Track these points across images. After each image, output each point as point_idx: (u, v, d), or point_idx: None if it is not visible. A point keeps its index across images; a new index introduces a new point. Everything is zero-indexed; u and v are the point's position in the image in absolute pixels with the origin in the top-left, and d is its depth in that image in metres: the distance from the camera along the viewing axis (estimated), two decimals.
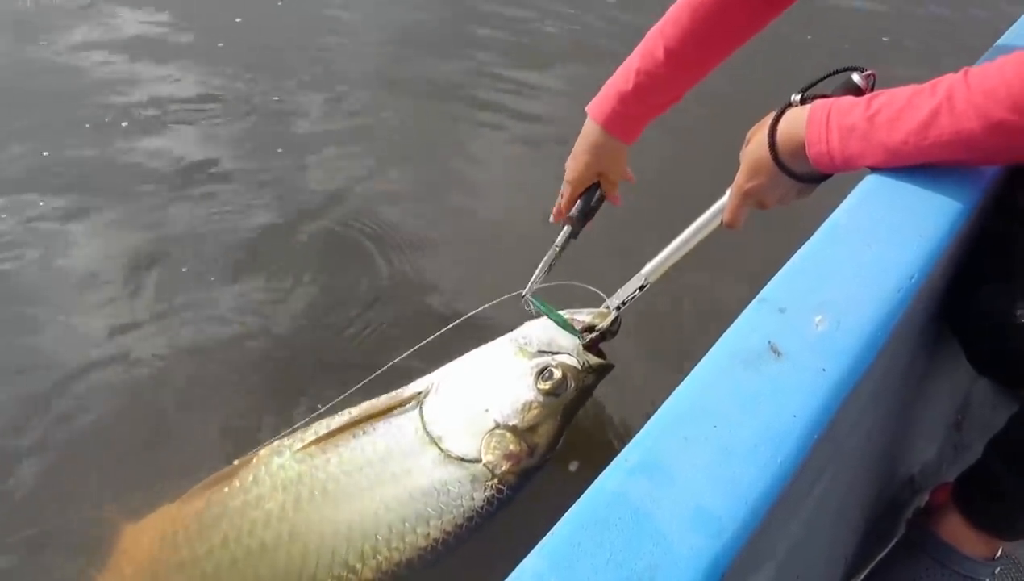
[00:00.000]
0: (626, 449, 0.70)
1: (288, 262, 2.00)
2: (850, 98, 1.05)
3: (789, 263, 0.90)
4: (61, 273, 1.90)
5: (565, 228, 1.49)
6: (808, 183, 1.12)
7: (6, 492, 1.48)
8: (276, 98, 2.56)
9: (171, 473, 1.46)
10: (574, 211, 1.48)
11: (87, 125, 2.38)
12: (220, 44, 2.83)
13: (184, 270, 1.94)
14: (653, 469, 0.67)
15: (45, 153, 2.26)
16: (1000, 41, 1.29)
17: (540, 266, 1.46)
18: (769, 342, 0.79)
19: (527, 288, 1.45)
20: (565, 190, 1.50)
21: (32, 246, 1.96)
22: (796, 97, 1.12)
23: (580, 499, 0.66)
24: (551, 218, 1.53)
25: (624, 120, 1.40)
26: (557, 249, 1.47)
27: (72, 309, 1.83)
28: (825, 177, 1.11)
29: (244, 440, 1.51)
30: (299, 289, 1.93)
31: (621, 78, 1.37)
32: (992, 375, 1.28)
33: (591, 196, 1.48)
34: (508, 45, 2.96)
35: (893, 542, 1.34)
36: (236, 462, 1.33)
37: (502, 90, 2.70)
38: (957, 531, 1.22)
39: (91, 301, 1.86)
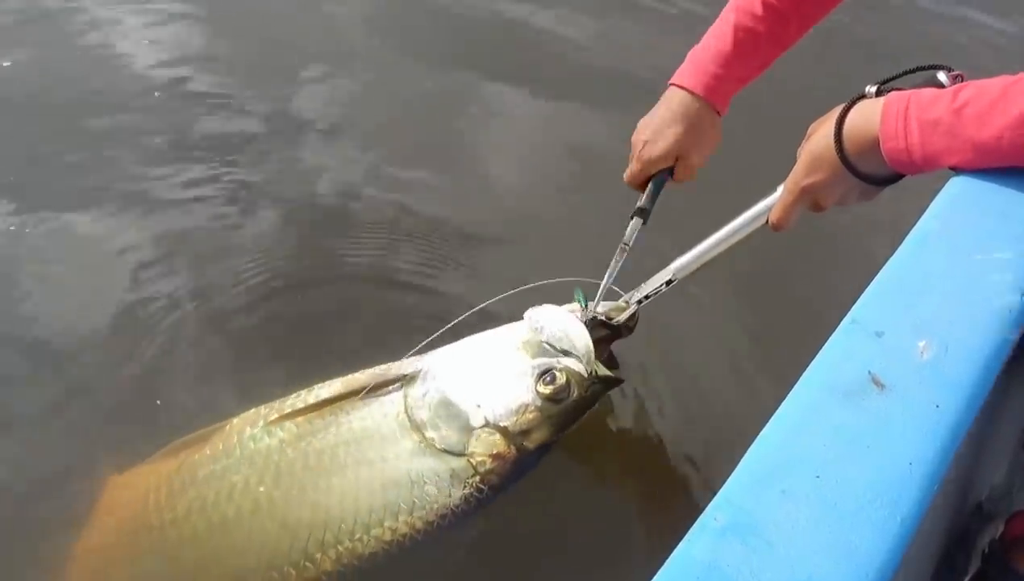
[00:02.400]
0: (712, 506, 0.58)
1: (294, 242, 1.93)
2: (931, 90, 0.93)
3: (879, 277, 0.78)
4: (64, 238, 1.89)
5: (633, 221, 1.27)
6: (874, 185, 1.00)
7: None
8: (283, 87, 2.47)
9: (161, 428, 1.43)
10: (645, 201, 1.27)
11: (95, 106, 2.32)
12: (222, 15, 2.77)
13: (189, 249, 1.90)
14: (747, 532, 0.56)
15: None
16: None
17: (612, 265, 1.27)
18: (869, 372, 0.68)
19: (602, 285, 1.28)
20: (635, 169, 1.29)
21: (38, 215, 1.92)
22: (871, 89, 1.00)
23: (660, 572, 0.54)
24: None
25: (724, 85, 1.22)
26: (627, 246, 1.27)
27: (73, 268, 1.83)
28: (894, 179, 0.99)
29: (233, 407, 1.46)
30: (306, 269, 1.86)
31: (717, 40, 1.21)
32: None
33: (662, 181, 1.28)
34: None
35: (968, 578, 1.22)
36: (214, 426, 1.26)
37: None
38: None
39: (89, 263, 1.85)
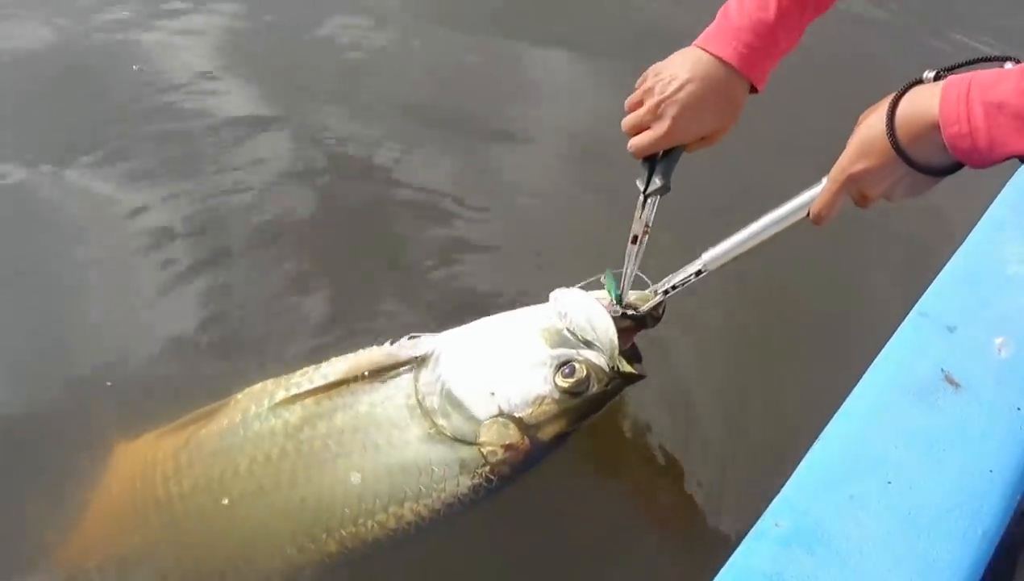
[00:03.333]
0: (772, 508, 0.53)
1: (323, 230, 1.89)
2: (996, 70, 0.86)
3: (948, 267, 0.72)
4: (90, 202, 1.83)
5: (648, 201, 1.16)
6: (928, 175, 0.93)
7: (9, 398, 1.43)
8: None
9: (169, 397, 1.39)
10: (660, 180, 1.19)
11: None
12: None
13: (208, 230, 1.86)
14: (814, 540, 0.51)
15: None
16: None
17: (634, 251, 1.19)
18: (942, 370, 0.62)
19: (625, 275, 1.19)
20: (653, 143, 1.15)
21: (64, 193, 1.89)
22: (929, 74, 0.92)
23: (717, 578, 0.49)
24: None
25: (762, 59, 1.09)
26: (649, 229, 1.19)
27: (91, 240, 1.75)
28: (950, 170, 0.91)
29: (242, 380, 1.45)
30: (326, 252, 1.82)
31: (753, 4, 1.07)
32: None
33: (680, 154, 1.14)
34: None
35: None
36: (222, 401, 1.23)
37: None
38: None
39: (107, 238, 1.77)
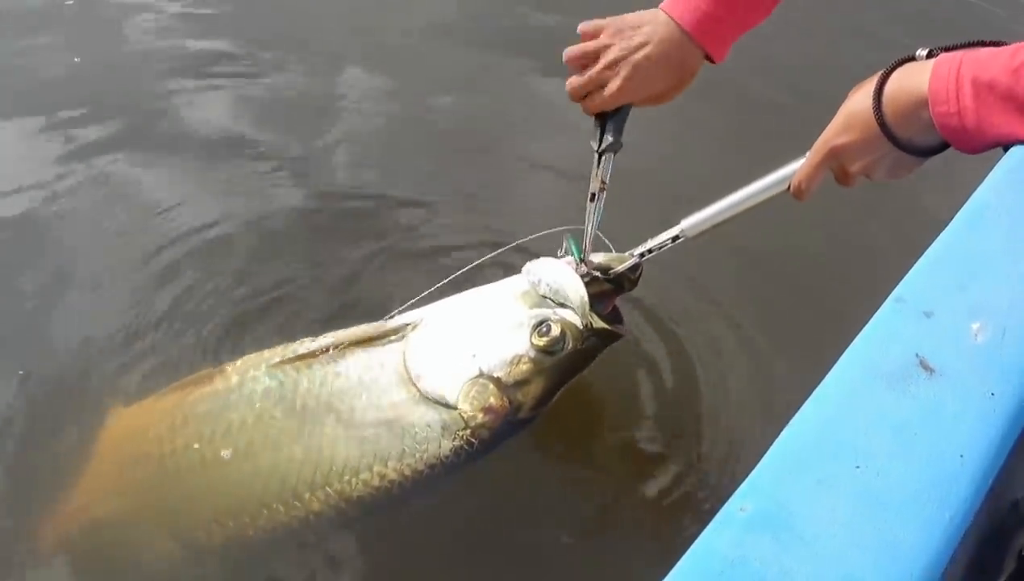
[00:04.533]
0: (739, 493, 0.53)
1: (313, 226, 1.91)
2: (989, 48, 0.85)
3: (929, 252, 0.72)
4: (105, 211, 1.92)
5: (603, 158, 1.16)
6: (912, 155, 0.91)
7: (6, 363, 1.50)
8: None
9: (168, 366, 1.49)
10: (612, 136, 1.13)
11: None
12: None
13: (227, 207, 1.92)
14: (779, 524, 0.51)
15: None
16: None
17: (591, 210, 1.19)
18: (917, 355, 0.61)
19: (586, 233, 1.22)
20: (604, 102, 1.12)
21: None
22: (922, 52, 0.91)
23: (678, 565, 0.49)
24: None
25: (721, 28, 1.07)
26: (606, 185, 1.16)
27: (103, 221, 1.86)
28: (936, 151, 0.90)
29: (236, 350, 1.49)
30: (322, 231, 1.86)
31: None
32: None
33: (625, 116, 1.14)
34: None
35: (1003, 579, 1.16)
36: (217, 367, 1.30)
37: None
38: None
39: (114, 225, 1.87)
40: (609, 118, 1.14)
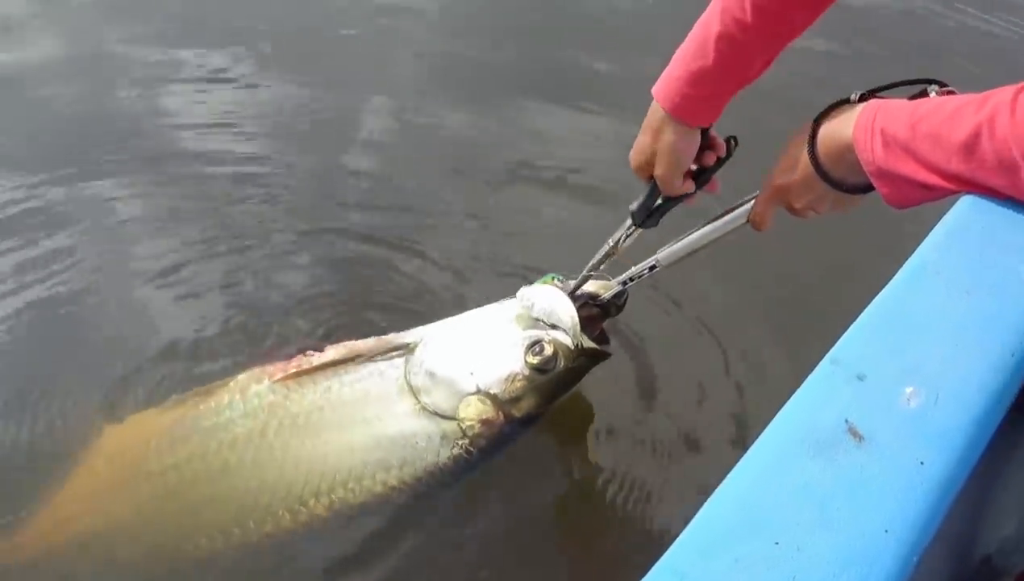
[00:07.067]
0: (651, 573, 0.51)
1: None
2: (902, 101, 0.88)
3: (866, 314, 0.71)
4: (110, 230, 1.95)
5: (625, 221, 1.25)
6: (847, 193, 0.95)
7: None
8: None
9: (162, 383, 1.50)
10: (634, 204, 1.23)
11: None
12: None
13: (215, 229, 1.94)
14: None
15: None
16: None
17: (594, 259, 1.31)
18: (846, 421, 0.60)
19: (588, 266, 1.34)
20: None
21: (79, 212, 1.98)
22: (855, 96, 0.93)
23: None
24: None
25: (704, 103, 1.10)
26: (611, 244, 1.26)
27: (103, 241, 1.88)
28: (871, 187, 0.93)
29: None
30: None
31: (694, 53, 1.06)
32: None
33: (656, 188, 1.21)
34: None
35: None
36: (217, 383, 1.35)
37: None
38: None
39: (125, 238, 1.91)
40: (665, 201, 1.21)
